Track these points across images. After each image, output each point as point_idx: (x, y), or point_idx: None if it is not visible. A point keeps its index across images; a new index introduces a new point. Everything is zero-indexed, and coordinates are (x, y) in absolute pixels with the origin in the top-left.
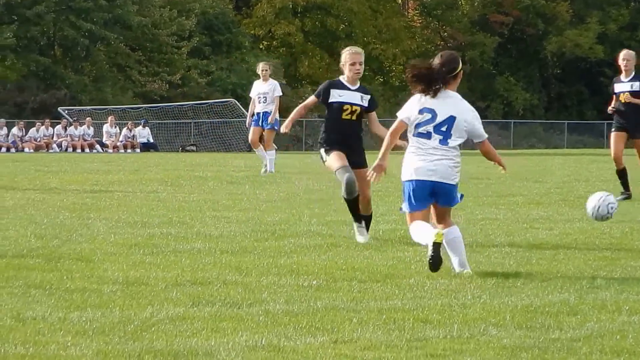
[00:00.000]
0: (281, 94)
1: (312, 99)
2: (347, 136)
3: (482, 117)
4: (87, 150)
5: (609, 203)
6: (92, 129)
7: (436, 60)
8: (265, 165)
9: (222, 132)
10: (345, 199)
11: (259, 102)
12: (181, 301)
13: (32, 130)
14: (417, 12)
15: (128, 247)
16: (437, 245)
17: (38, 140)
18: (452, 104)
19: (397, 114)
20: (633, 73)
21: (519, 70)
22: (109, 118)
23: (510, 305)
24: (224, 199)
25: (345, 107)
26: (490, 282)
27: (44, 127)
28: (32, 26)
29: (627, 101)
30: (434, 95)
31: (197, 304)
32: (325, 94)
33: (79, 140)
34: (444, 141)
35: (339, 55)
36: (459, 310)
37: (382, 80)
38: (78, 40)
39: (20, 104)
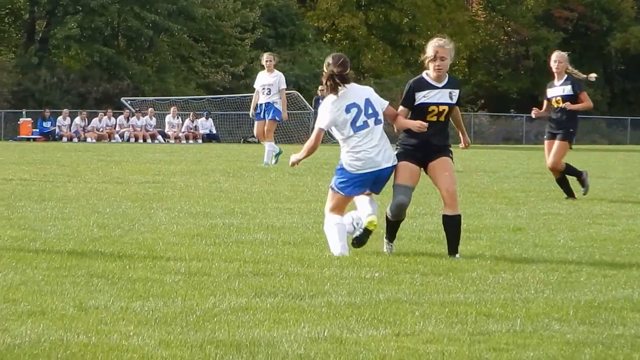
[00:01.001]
0: (285, 86)
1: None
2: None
3: None
4: (149, 140)
5: None
6: (154, 119)
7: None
8: (276, 156)
9: (284, 124)
10: (387, 218)
11: (263, 94)
12: (243, 292)
13: (95, 120)
14: (481, 6)
15: (190, 238)
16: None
17: (100, 130)
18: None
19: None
20: (565, 76)
21: (583, 65)
22: (172, 109)
23: (573, 300)
24: (286, 191)
25: (431, 108)
26: (554, 277)
27: (106, 117)
28: (96, 17)
29: (561, 106)
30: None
31: (259, 295)
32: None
33: (141, 130)
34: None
35: (402, 49)
36: (522, 305)
37: None
38: (142, 31)
39: (83, 94)
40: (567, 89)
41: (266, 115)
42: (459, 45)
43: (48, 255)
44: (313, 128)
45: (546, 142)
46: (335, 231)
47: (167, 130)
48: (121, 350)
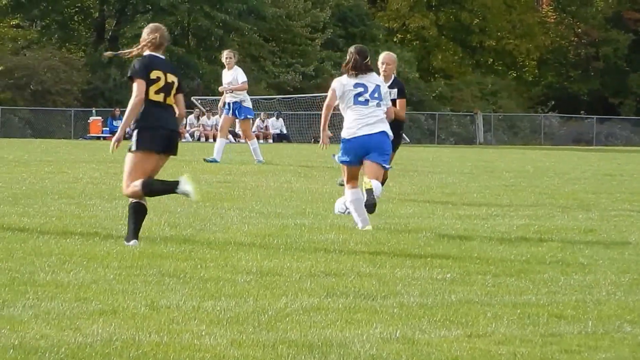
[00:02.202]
0: (245, 79)
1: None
2: None
3: (614, 114)
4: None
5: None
6: None
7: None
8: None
9: None
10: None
11: (227, 92)
12: (315, 292)
13: None
14: (551, 7)
15: (262, 238)
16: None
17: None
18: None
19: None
20: (393, 78)
21: None
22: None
23: None
24: None
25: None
26: (625, 279)
27: None
28: (166, 16)
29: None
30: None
31: (331, 295)
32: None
33: (211, 130)
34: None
35: (472, 50)
36: (593, 307)
37: (515, 75)
38: (212, 31)
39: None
40: (394, 92)
41: (237, 115)
42: (529, 46)
43: (119, 254)
44: None
45: None
46: (353, 208)
47: (237, 129)
48: (193, 350)
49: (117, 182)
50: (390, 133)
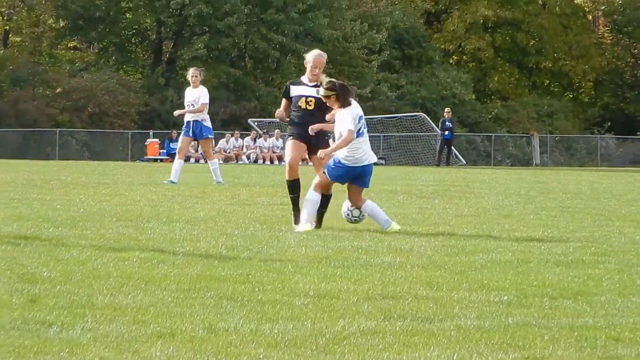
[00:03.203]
0: (207, 101)
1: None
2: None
3: None
4: (275, 162)
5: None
6: (280, 140)
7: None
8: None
9: (411, 146)
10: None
11: (189, 107)
12: (372, 315)
13: (222, 142)
14: (607, 28)
15: (319, 260)
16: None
17: (227, 151)
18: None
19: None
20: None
21: None
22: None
23: None
24: (414, 213)
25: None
26: None
27: (233, 138)
28: (223, 38)
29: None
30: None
31: (388, 318)
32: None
33: (268, 152)
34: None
35: (529, 71)
36: None
37: (571, 96)
38: (269, 53)
39: (210, 115)
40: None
41: (197, 136)
42: (585, 67)
43: (177, 277)
44: (440, 150)
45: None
46: (310, 207)
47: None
48: None
49: (174, 205)
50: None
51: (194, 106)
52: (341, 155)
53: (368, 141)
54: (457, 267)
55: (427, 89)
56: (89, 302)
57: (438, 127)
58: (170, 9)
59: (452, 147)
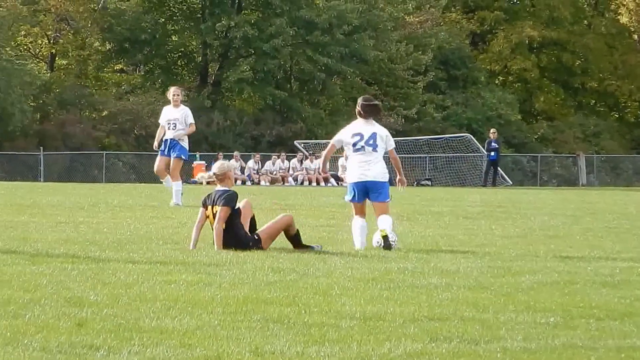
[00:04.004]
0: (193, 120)
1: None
2: None
3: None
4: (322, 183)
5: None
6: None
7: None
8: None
9: (457, 167)
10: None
11: (169, 129)
12: (419, 337)
13: (268, 163)
14: None
15: (365, 282)
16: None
17: (274, 173)
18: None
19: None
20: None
21: None
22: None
23: None
24: (460, 234)
25: None
26: None
27: (279, 160)
28: (268, 60)
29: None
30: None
31: (434, 340)
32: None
33: (314, 173)
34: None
35: (574, 91)
36: None
37: (617, 116)
38: (314, 74)
39: (256, 137)
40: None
41: (171, 153)
42: (631, 87)
43: (223, 300)
44: (486, 171)
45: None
46: (357, 231)
47: (339, 173)
48: None
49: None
50: (382, 174)
51: (175, 125)
52: (347, 178)
53: (373, 159)
54: (503, 288)
55: (473, 109)
56: (135, 326)
57: (484, 148)
58: (216, 32)
59: (498, 168)
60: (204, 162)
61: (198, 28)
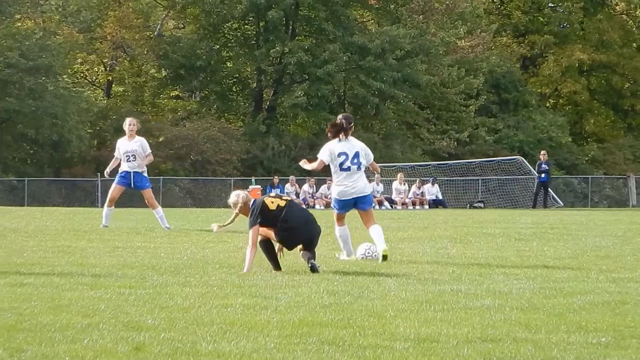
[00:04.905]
0: (150, 150)
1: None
2: None
3: None
4: (376, 206)
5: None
6: (381, 185)
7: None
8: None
9: (509, 189)
10: None
11: (127, 161)
12: (472, 358)
13: (323, 187)
14: None
15: (419, 304)
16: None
17: (328, 197)
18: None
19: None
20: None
21: None
22: (398, 175)
23: None
24: (512, 256)
25: None
26: None
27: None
28: (322, 85)
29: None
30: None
31: None
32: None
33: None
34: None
35: (624, 113)
36: None
37: None
38: (368, 99)
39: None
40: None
41: (138, 186)
42: None
43: (279, 323)
44: (536, 192)
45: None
46: (344, 239)
47: (394, 196)
48: None
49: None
50: (367, 186)
51: (134, 157)
52: (333, 190)
53: (358, 177)
54: (555, 309)
55: (524, 132)
56: (192, 349)
57: (535, 170)
58: (271, 58)
59: (549, 190)
60: (259, 186)
61: (252, 54)
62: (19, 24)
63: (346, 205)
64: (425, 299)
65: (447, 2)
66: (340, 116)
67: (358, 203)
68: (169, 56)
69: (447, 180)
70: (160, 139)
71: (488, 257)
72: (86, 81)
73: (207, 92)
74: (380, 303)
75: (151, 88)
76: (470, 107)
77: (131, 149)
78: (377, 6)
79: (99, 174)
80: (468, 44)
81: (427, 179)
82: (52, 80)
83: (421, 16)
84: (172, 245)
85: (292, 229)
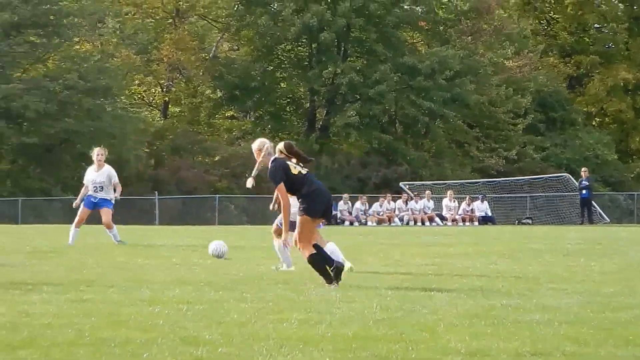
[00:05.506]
0: (117, 179)
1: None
2: None
3: None
4: (427, 223)
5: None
6: (432, 202)
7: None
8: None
9: (556, 206)
10: None
11: (95, 191)
12: None
13: (375, 205)
14: None
15: (470, 318)
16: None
17: (380, 213)
18: None
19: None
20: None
21: None
22: (448, 192)
23: None
24: (560, 271)
25: None
26: None
27: (386, 201)
28: (374, 105)
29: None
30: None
31: None
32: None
33: (419, 213)
34: None
35: None
36: None
37: None
38: (418, 118)
39: (363, 179)
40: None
41: (100, 206)
42: None
43: (333, 338)
44: (581, 209)
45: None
46: (279, 252)
47: (444, 212)
48: None
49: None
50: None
51: (102, 187)
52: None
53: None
54: (603, 323)
55: (571, 150)
56: None
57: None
58: (323, 78)
59: (593, 206)
60: None
61: (305, 75)
62: (78, 47)
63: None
64: (475, 314)
65: (495, 24)
66: (280, 145)
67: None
68: (224, 77)
69: (496, 197)
70: (216, 158)
71: (536, 272)
72: (143, 102)
73: (261, 112)
74: (431, 318)
75: (207, 108)
76: (518, 126)
77: (99, 180)
78: (426, 28)
79: (156, 192)
80: (516, 64)
81: (477, 196)
82: (110, 102)
83: (470, 37)
84: (228, 262)
85: (317, 193)
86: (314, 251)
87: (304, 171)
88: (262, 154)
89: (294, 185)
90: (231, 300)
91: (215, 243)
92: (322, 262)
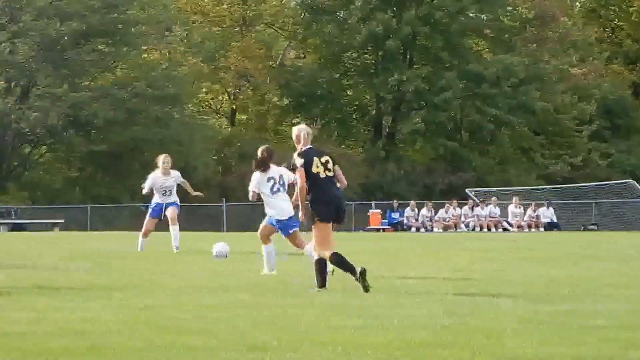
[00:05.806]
0: (183, 179)
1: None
2: None
3: None
4: (493, 229)
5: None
6: (498, 208)
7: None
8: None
9: (621, 212)
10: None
11: (164, 194)
12: None
13: (441, 211)
14: None
15: (535, 324)
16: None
17: (446, 220)
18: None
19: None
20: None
21: None
22: (514, 199)
23: None
24: (623, 277)
25: None
26: None
27: (452, 207)
28: (439, 112)
29: None
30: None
31: None
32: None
33: (485, 219)
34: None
35: None
36: None
37: None
38: (484, 125)
39: (429, 185)
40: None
41: (167, 207)
42: None
43: (400, 343)
44: None
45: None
46: (266, 256)
47: (510, 219)
48: None
49: (388, 273)
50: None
51: (170, 192)
52: (267, 212)
53: (287, 198)
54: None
55: (636, 156)
56: None
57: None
58: (389, 86)
59: None
60: (379, 210)
61: (371, 83)
62: (146, 55)
63: (279, 224)
64: (540, 319)
65: (560, 31)
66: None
67: (283, 228)
68: (291, 85)
69: (562, 203)
70: (284, 165)
71: (597, 277)
72: (211, 110)
73: (328, 119)
74: (497, 324)
75: (274, 116)
76: (584, 133)
77: (167, 185)
78: (491, 35)
79: (224, 199)
80: (580, 71)
81: (542, 202)
82: (178, 109)
83: (534, 45)
84: (294, 269)
85: (327, 198)
86: (336, 251)
87: (322, 174)
88: (302, 135)
89: (311, 179)
90: (297, 307)
91: (218, 245)
92: (345, 263)
